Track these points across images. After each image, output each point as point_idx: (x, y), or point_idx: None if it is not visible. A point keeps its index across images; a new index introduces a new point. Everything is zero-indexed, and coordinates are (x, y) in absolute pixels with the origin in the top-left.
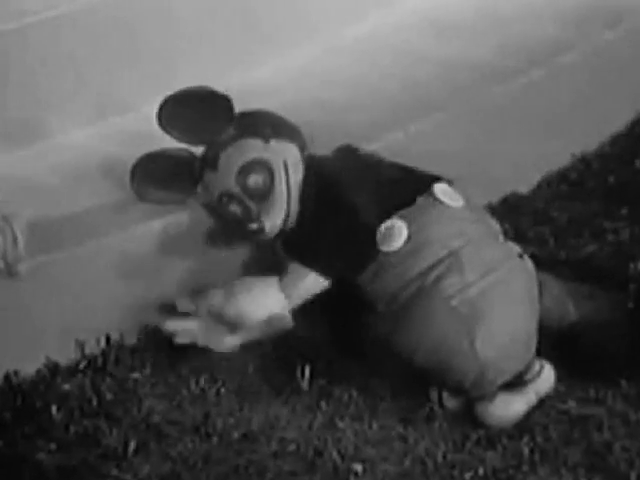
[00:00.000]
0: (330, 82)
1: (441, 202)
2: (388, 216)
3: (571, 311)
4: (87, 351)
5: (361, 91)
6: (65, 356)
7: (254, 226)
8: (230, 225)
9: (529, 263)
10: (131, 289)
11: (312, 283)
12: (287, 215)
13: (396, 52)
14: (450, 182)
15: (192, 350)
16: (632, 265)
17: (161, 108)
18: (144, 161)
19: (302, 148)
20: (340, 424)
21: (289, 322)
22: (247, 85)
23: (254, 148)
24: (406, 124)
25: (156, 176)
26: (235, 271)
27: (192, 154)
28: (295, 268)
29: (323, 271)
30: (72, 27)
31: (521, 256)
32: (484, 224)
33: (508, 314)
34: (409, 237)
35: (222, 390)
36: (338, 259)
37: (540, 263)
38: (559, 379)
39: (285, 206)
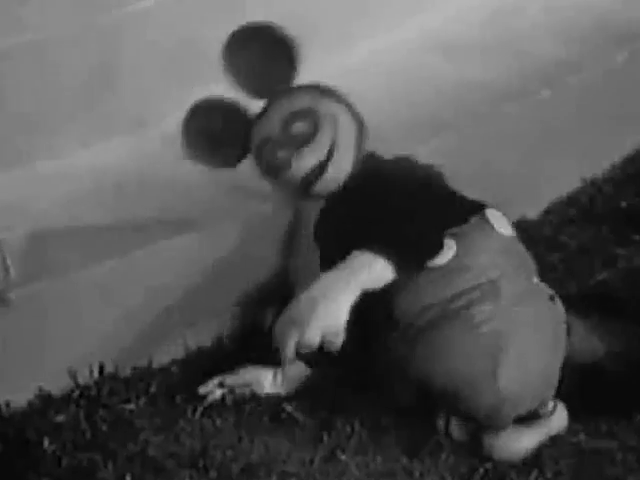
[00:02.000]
0: None
1: (492, 227)
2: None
3: (598, 347)
4: (80, 381)
5: (370, 112)
6: (58, 387)
7: (282, 154)
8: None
9: (559, 305)
10: (125, 318)
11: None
12: (321, 167)
13: (406, 73)
14: (499, 210)
15: (189, 379)
16: None
17: (225, 50)
18: (195, 114)
19: (360, 130)
20: (342, 457)
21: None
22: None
23: (307, 99)
24: (415, 145)
25: (206, 132)
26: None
27: (244, 109)
28: (357, 256)
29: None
30: (73, 46)
31: (552, 299)
32: (524, 260)
33: (532, 351)
34: (455, 256)
35: (219, 421)
36: (413, 248)
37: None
38: (572, 413)
39: (320, 160)
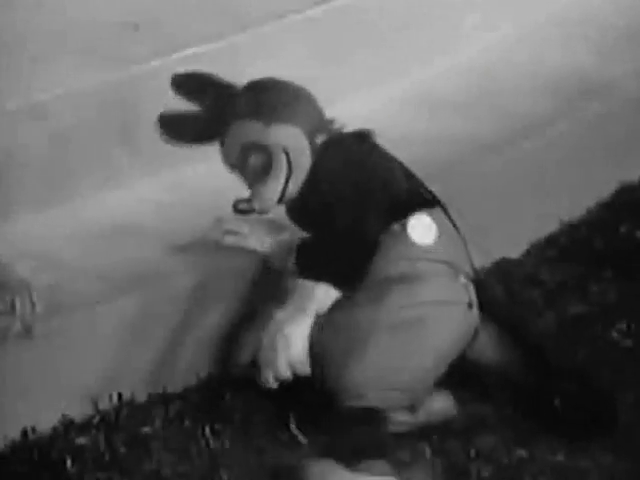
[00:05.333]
0: None
1: (408, 237)
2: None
3: (506, 357)
4: (100, 407)
5: None
6: (80, 412)
7: (244, 206)
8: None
9: (474, 314)
10: (143, 348)
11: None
12: (281, 196)
13: (393, 129)
14: (442, 206)
15: (200, 404)
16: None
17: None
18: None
19: (311, 132)
20: None
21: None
22: None
23: (254, 131)
24: None
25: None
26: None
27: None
28: (301, 286)
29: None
30: (95, 99)
31: (470, 305)
32: (446, 264)
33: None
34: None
35: (227, 442)
36: (347, 272)
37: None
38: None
39: (280, 189)
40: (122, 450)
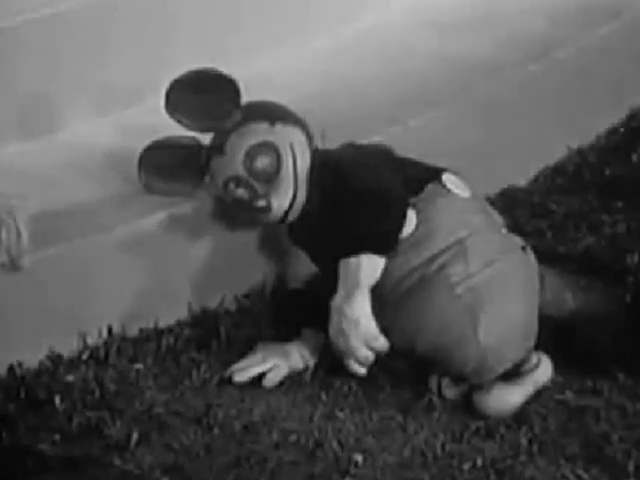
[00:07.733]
0: (331, 78)
1: (450, 191)
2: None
3: (569, 303)
4: (89, 342)
5: (362, 87)
6: (68, 347)
7: (261, 203)
8: (237, 210)
9: (531, 256)
10: (133, 281)
11: (370, 266)
12: (294, 197)
13: (396, 49)
14: (456, 173)
15: (193, 342)
16: (629, 258)
17: (168, 92)
18: (151, 150)
19: (308, 135)
20: (340, 415)
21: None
22: (248, 80)
23: (260, 131)
24: (406, 118)
25: (163, 166)
26: (240, 263)
27: (199, 143)
28: (346, 264)
29: (377, 249)
30: (75, 23)
31: (524, 248)
32: (488, 216)
33: (509, 304)
34: (417, 225)
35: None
36: (383, 232)
37: (539, 256)
38: (557, 370)
39: (292, 187)
40: (112, 388)
